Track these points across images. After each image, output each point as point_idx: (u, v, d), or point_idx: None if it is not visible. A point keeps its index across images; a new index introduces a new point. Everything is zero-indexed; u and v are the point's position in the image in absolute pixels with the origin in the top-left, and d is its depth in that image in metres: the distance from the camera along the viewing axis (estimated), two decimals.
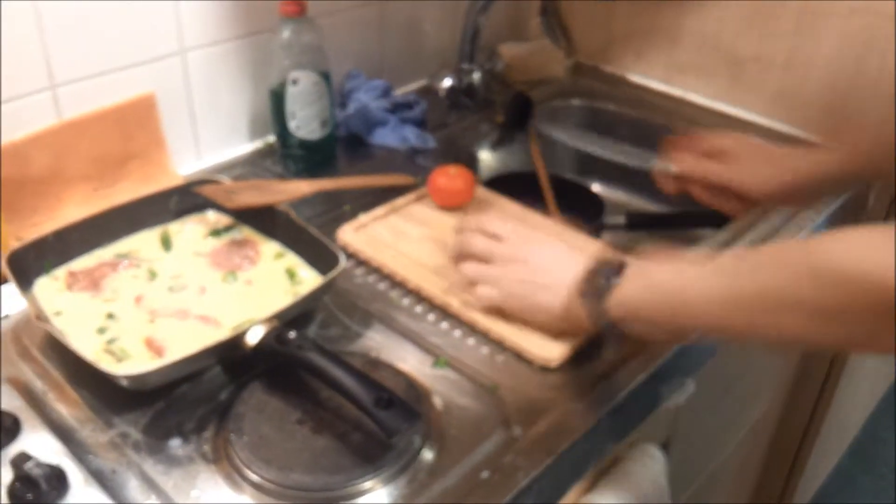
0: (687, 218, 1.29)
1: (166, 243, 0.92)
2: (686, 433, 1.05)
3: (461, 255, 0.85)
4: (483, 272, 0.82)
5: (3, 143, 0.91)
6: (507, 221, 0.84)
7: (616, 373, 0.79)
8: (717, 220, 1.14)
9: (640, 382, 0.79)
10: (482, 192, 1.05)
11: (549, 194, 1.18)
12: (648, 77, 1.43)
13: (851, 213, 1.19)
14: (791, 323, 0.62)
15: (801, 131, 1.25)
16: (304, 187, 1.00)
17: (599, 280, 0.73)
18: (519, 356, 0.81)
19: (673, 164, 0.91)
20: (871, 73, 1.15)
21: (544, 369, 0.79)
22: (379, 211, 1.00)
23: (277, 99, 1.09)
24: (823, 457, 1.79)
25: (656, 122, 1.33)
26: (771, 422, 1.53)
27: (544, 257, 0.80)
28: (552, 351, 0.79)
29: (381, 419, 0.66)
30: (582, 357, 0.80)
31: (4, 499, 0.64)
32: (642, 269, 0.72)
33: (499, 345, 0.82)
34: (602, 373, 0.79)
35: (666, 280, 0.70)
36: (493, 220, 0.85)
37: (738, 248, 0.67)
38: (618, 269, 0.73)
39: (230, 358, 0.77)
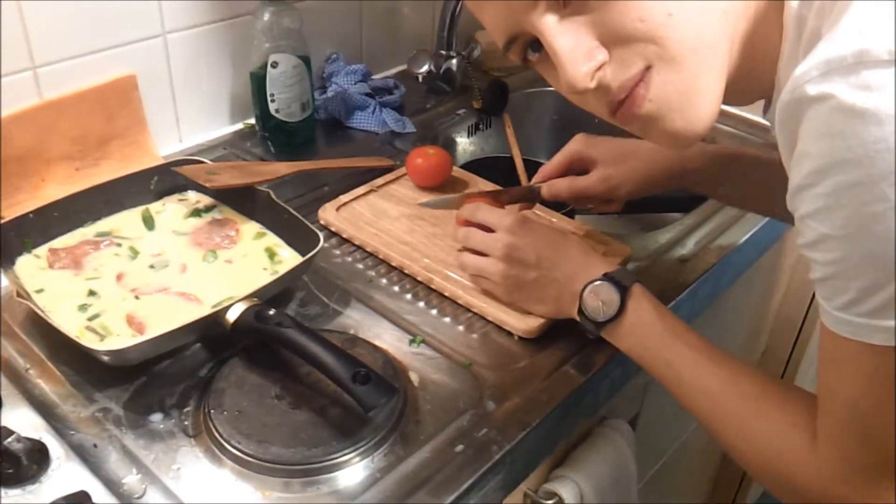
0: (655, 202, 1.30)
1: (148, 222, 0.92)
2: (654, 410, 1.07)
3: (462, 246, 0.86)
4: (480, 267, 0.83)
5: None
6: (500, 212, 0.84)
7: (587, 349, 0.81)
8: (684, 204, 1.17)
9: (610, 359, 0.81)
10: (459, 174, 1.06)
11: (524, 178, 1.19)
12: None
13: None
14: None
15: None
16: (283, 168, 1.00)
17: (597, 303, 0.75)
18: (498, 328, 0.83)
19: (543, 191, 0.93)
20: None
21: (521, 339, 0.81)
22: (359, 190, 1.01)
23: (258, 81, 1.09)
24: None
25: None
26: None
27: (535, 250, 0.80)
28: (530, 322, 0.81)
29: (359, 394, 0.67)
30: (556, 332, 0.82)
31: None
32: (637, 324, 0.74)
33: (477, 320, 0.84)
34: (574, 349, 0.81)
35: (662, 354, 0.72)
36: (487, 211, 0.85)
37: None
38: (618, 286, 0.74)
39: (210, 335, 0.77)
